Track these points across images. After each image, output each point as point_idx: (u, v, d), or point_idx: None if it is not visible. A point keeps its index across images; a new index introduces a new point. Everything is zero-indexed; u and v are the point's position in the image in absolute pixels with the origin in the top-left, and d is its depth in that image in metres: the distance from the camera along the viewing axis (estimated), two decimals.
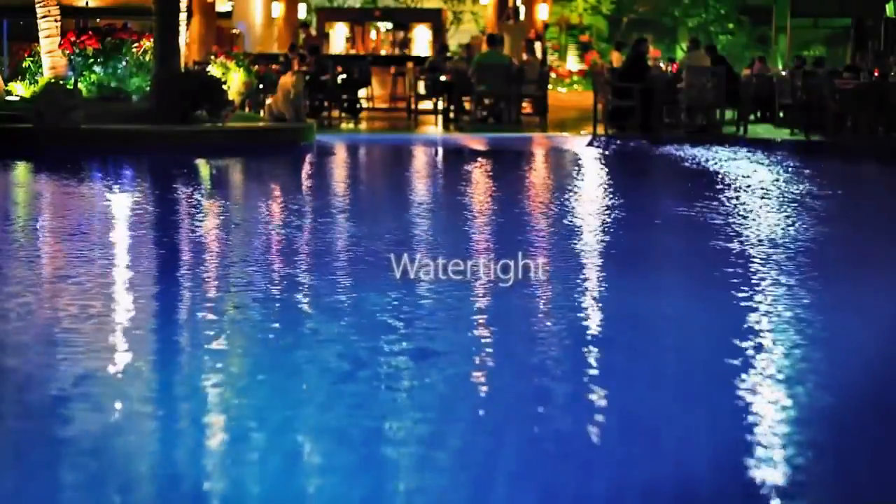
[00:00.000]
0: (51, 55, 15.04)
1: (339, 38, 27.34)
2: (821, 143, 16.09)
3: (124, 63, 15.22)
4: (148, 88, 15.04)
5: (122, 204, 9.44)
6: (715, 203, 9.52)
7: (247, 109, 17.06)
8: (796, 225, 8.38)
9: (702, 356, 4.80)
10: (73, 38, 15.28)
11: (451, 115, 19.50)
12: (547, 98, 20.02)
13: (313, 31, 27.87)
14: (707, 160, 13.71)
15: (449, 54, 23.01)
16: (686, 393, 4.25)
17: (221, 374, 4.39)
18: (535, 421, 3.90)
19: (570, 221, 8.74)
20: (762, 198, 10.00)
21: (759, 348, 4.78)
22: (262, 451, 3.56)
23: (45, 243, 7.59)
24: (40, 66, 15.19)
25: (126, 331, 5.03)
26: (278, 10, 27.28)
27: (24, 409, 4.00)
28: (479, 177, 12.34)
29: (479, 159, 14.43)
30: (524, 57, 20.07)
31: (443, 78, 19.60)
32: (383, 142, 16.97)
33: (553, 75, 29.12)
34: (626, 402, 4.11)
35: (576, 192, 10.87)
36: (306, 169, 13.32)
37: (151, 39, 15.08)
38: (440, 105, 19.67)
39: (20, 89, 15.10)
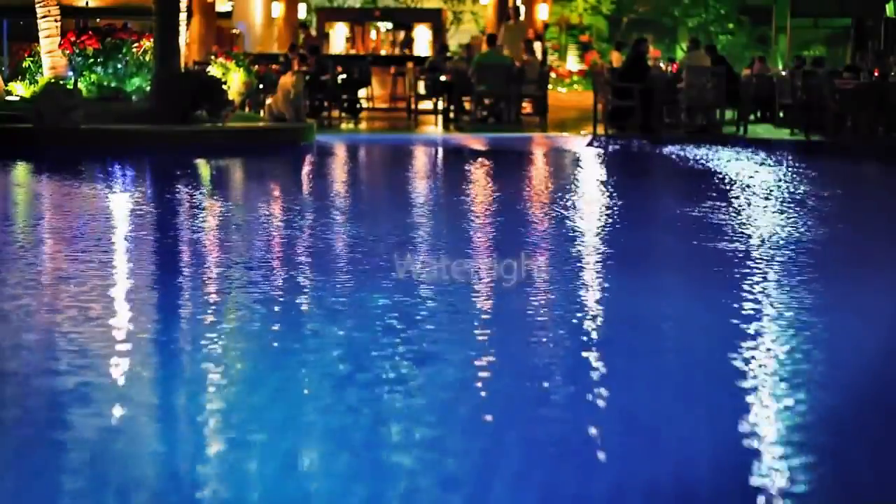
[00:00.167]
0: (51, 55, 15.05)
1: (339, 38, 27.34)
2: (821, 143, 16.10)
3: (124, 63, 15.23)
4: (148, 88, 15.04)
5: (122, 204, 9.44)
6: (715, 203, 9.52)
7: (247, 109, 17.07)
8: (796, 225, 8.38)
9: (702, 356, 4.80)
10: (73, 38, 15.29)
11: (451, 115, 19.49)
12: (547, 98, 20.02)
13: (313, 31, 27.87)
14: (707, 160, 13.71)
15: (449, 54, 23.01)
16: (686, 393, 4.25)
17: (221, 376, 4.39)
18: (536, 421, 3.89)
19: (571, 222, 8.73)
20: (762, 198, 10.00)
21: (759, 348, 4.78)
22: (263, 453, 3.56)
23: (45, 244, 7.59)
24: (40, 66, 15.20)
25: (125, 332, 5.03)
26: (278, 10, 27.27)
27: (24, 411, 4.00)
28: (480, 177, 12.34)
29: (479, 159, 14.43)
30: (524, 57, 20.06)
31: (443, 78, 19.60)
32: (383, 142, 16.97)
33: (553, 75, 29.12)
34: (626, 402, 4.11)
35: (576, 193, 10.87)
36: (306, 169, 13.31)
37: (151, 39, 15.09)
38: (440, 105, 19.66)
39: (20, 89, 15.10)
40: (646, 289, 6.10)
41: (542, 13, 26.04)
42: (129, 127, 14.06)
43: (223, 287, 6.04)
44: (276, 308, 5.48)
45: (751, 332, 5.05)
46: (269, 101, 16.26)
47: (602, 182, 12.11)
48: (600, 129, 17.49)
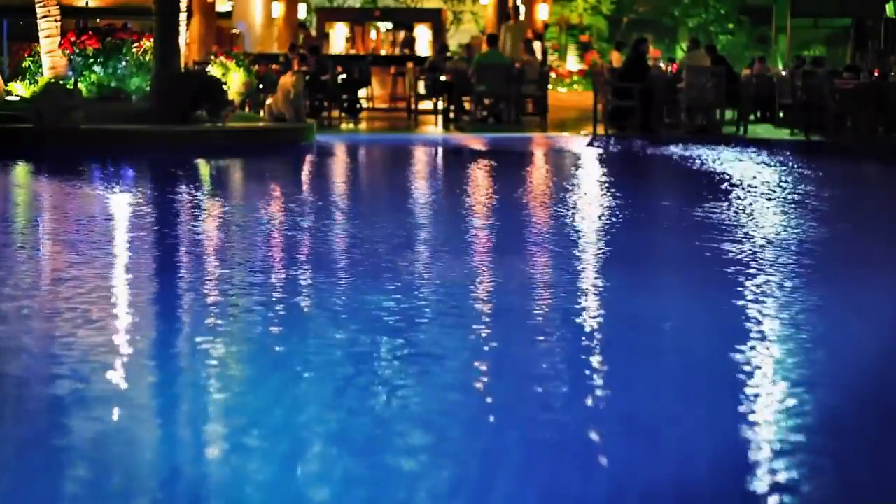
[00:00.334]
0: (51, 55, 15.05)
1: (339, 38, 27.34)
2: (821, 143, 16.10)
3: (124, 63, 15.23)
4: (148, 88, 15.04)
5: (122, 204, 9.44)
6: (715, 203, 9.52)
7: (247, 109, 17.07)
8: (796, 225, 8.38)
9: (702, 356, 4.80)
10: (73, 38, 15.29)
11: (451, 115, 19.50)
12: (547, 98, 20.02)
13: (313, 32, 27.87)
14: (707, 160, 13.70)
15: (449, 54, 23.01)
16: (686, 393, 4.25)
17: (221, 377, 4.39)
18: (536, 421, 3.89)
19: (571, 222, 8.74)
20: (762, 198, 10.00)
21: (759, 348, 4.78)
22: (263, 455, 3.56)
23: (44, 244, 7.59)
24: (40, 66, 15.20)
25: (125, 332, 5.03)
26: (278, 10, 27.27)
27: (23, 413, 4.00)
28: (480, 177, 12.34)
29: (480, 159, 14.43)
30: (524, 57, 20.06)
31: (443, 78, 19.60)
32: (383, 142, 16.98)
33: (553, 75, 29.12)
34: (626, 402, 4.11)
35: (576, 193, 10.87)
36: (306, 169, 13.32)
37: (151, 39, 15.09)
38: (440, 105, 19.67)
39: (20, 89, 15.10)
40: (647, 288, 6.10)
41: (542, 13, 26.04)
42: (129, 127, 14.06)
43: (223, 287, 6.03)
44: (277, 308, 5.48)
45: (750, 331, 5.04)
46: (269, 101, 16.27)
47: (602, 182, 12.10)
48: (600, 129, 17.49)
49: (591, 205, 9.79)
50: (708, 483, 3.39)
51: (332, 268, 6.62)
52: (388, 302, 5.51)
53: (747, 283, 6.06)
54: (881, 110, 16.27)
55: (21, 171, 11.98)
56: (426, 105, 20.07)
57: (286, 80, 15.83)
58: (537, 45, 22.07)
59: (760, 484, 3.34)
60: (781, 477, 3.39)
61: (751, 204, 9.53)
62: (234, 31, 25.99)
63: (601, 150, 15.58)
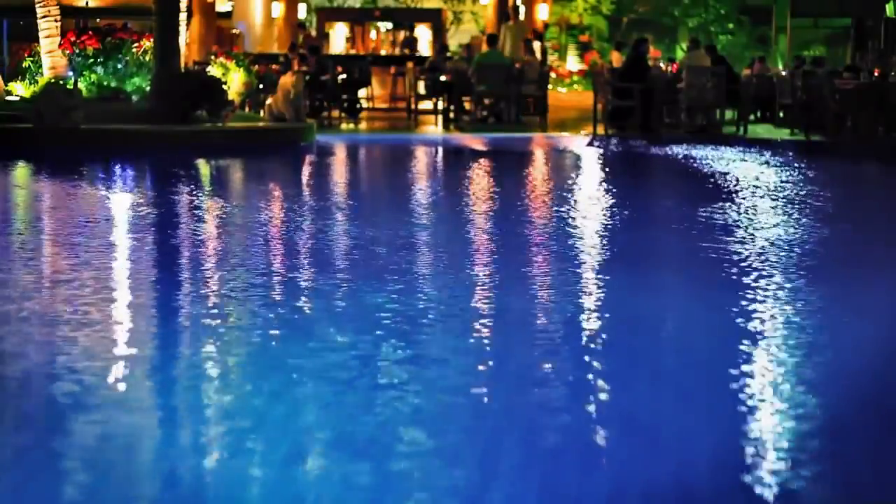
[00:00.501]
0: (51, 55, 15.05)
1: (339, 38, 27.35)
2: (821, 143, 16.09)
3: (124, 63, 15.24)
4: (148, 88, 15.04)
5: (122, 204, 9.44)
6: (715, 203, 9.51)
7: (247, 109, 17.07)
8: (796, 225, 8.38)
9: (702, 356, 4.80)
10: (73, 38, 15.29)
11: (452, 115, 19.50)
12: (547, 98, 20.02)
13: (313, 32, 27.87)
14: (707, 160, 13.70)
15: (449, 54, 23.01)
16: (686, 393, 4.25)
17: (221, 378, 4.39)
18: (537, 421, 3.89)
19: (571, 222, 8.73)
20: (762, 198, 10.00)
21: (759, 348, 4.78)
22: (263, 456, 3.56)
23: (44, 244, 7.58)
24: (40, 66, 15.20)
25: (125, 333, 5.03)
26: (278, 10, 27.27)
27: (22, 415, 4.00)
28: (480, 177, 12.34)
29: (480, 159, 14.43)
30: (524, 57, 20.06)
31: (443, 78, 19.60)
32: (383, 142, 16.98)
33: (553, 75, 29.12)
34: (627, 402, 4.11)
35: (576, 193, 10.87)
36: (306, 169, 13.31)
37: (151, 39, 15.09)
38: (440, 105, 19.67)
39: (20, 89, 15.11)
40: (647, 288, 6.10)
41: (542, 13, 26.04)
42: (129, 127, 14.06)
43: (223, 288, 6.03)
44: (277, 308, 5.48)
45: (751, 331, 5.04)
46: (269, 101, 16.27)
47: (602, 182, 12.10)
48: (600, 129, 17.49)
49: (591, 205, 9.79)
50: (708, 483, 3.39)
51: (332, 268, 6.61)
52: (388, 302, 5.51)
53: (747, 283, 6.06)
54: (881, 110, 16.27)
55: (21, 171, 11.98)
56: (426, 105, 20.07)
57: (286, 80, 15.83)
58: (537, 45, 22.08)
59: (760, 484, 3.34)
60: (781, 477, 3.39)
61: (751, 204, 9.52)
62: (234, 31, 25.99)
63: (601, 150, 15.58)
